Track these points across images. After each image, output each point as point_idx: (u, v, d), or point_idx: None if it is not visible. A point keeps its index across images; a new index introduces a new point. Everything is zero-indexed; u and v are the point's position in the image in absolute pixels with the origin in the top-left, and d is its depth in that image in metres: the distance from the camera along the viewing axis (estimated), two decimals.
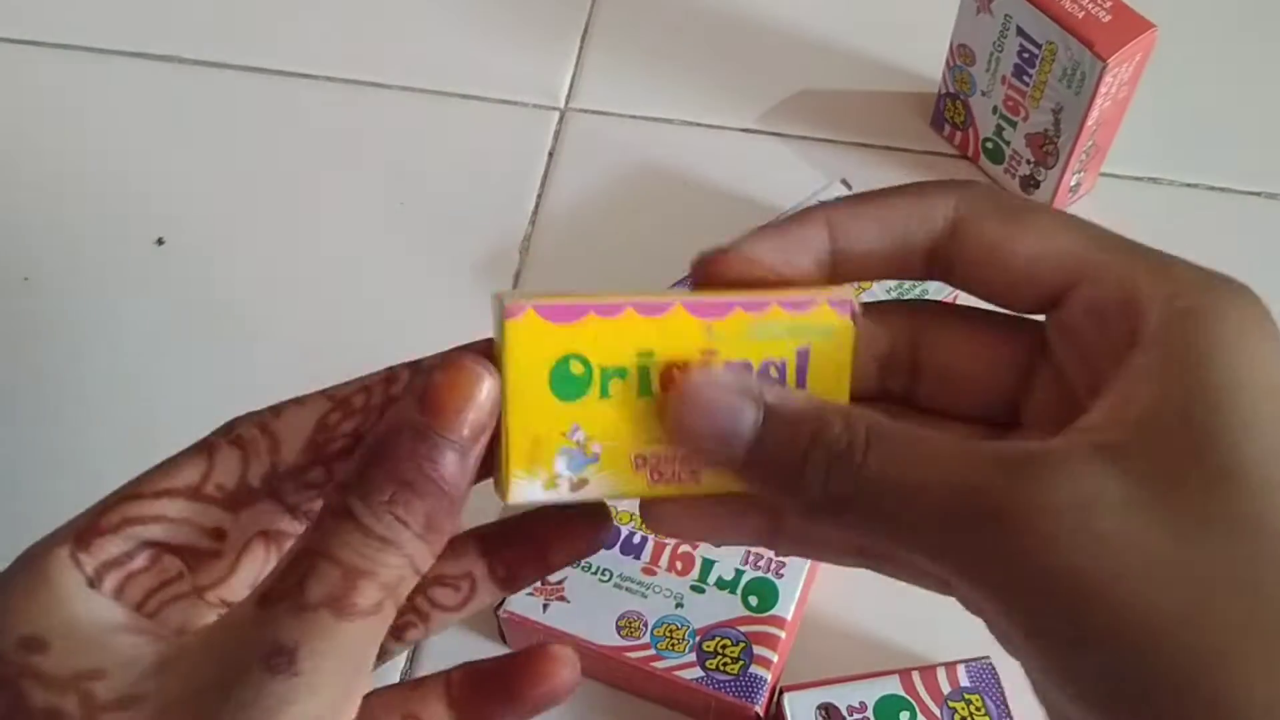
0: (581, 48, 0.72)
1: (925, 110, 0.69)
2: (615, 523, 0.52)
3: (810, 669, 0.52)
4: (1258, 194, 0.67)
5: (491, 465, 0.28)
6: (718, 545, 0.31)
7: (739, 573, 0.52)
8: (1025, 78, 0.61)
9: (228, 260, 0.65)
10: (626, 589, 0.51)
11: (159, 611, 0.27)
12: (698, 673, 0.50)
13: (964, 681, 0.49)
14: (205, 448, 0.28)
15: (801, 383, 0.28)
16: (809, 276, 0.28)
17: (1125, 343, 0.25)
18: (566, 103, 0.70)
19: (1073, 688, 0.24)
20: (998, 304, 0.28)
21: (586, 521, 0.30)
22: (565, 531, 0.30)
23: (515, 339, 0.27)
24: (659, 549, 0.52)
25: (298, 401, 0.28)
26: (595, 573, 0.52)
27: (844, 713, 0.48)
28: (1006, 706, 0.48)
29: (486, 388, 0.26)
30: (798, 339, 0.28)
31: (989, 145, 0.65)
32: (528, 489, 0.27)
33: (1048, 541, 0.23)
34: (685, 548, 0.52)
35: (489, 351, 0.27)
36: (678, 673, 0.50)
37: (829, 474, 0.25)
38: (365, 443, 0.26)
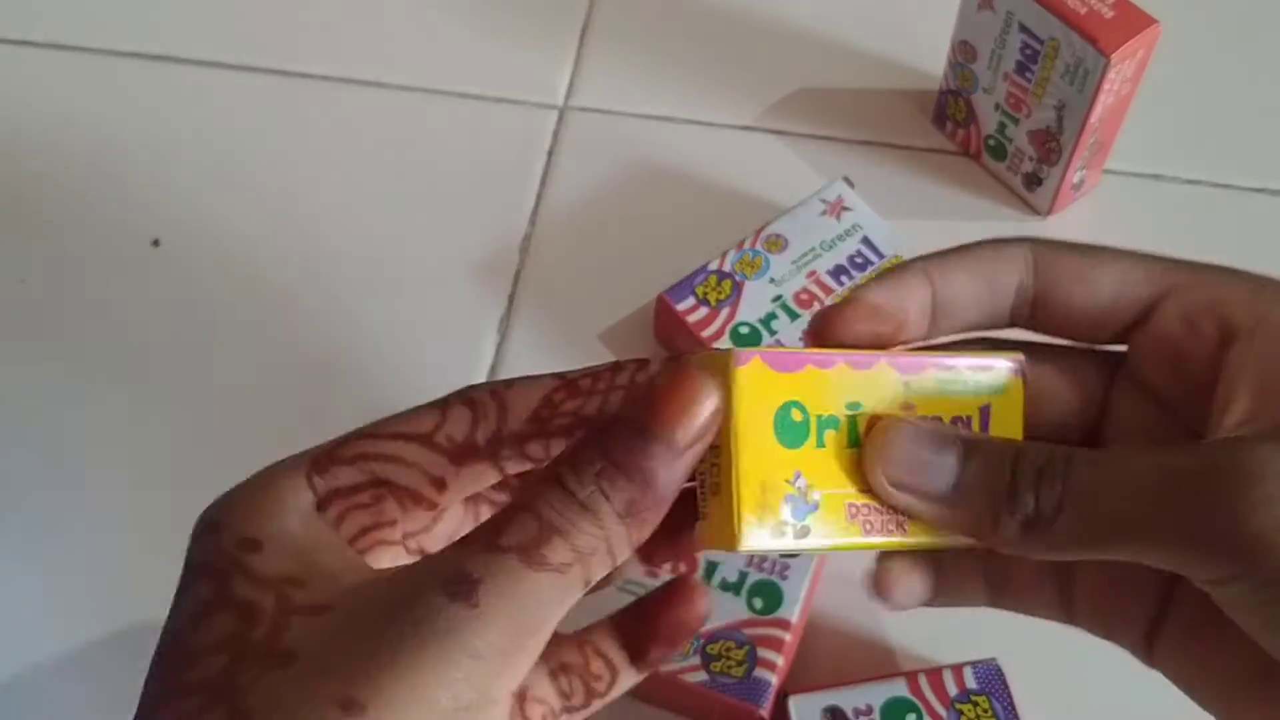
0: (580, 46, 0.72)
1: (927, 107, 0.68)
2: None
3: (815, 672, 0.52)
4: (1261, 190, 0.66)
5: (692, 518, 0.28)
6: (941, 606, 0.33)
7: (743, 575, 0.51)
8: (1028, 74, 0.60)
9: (225, 261, 0.65)
10: (629, 592, 0.51)
11: (367, 551, 0.29)
12: (702, 676, 0.49)
13: (971, 684, 0.49)
14: (440, 403, 0.29)
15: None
16: (917, 325, 0.30)
17: (1219, 340, 0.28)
18: (566, 101, 0.70)
19: None
20: (1079, 334, 0.31)
21: (684, 593, 0.31)
22: (671, 601, 0.31)
23: (743, 385, 0.27)
24: None
25: (530, 377, 0.29)
26: None
27: (850, 716, 0.48)
28: (1014, 708, 0.48)
29: (711, 401, 0.27)
30: (981, 397, 0.30)
31: (991, 142, 0.65)
32: (758, 535, 0.27)
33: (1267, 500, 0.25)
34: None
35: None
36: (682, 676, 0.49)
37: (1039, 486, 0.27)
38: (586, 427, 0.27)
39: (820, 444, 0.28)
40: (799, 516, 0.28)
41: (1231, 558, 0.25)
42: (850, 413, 0.28)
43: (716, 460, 0.27)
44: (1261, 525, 0.24)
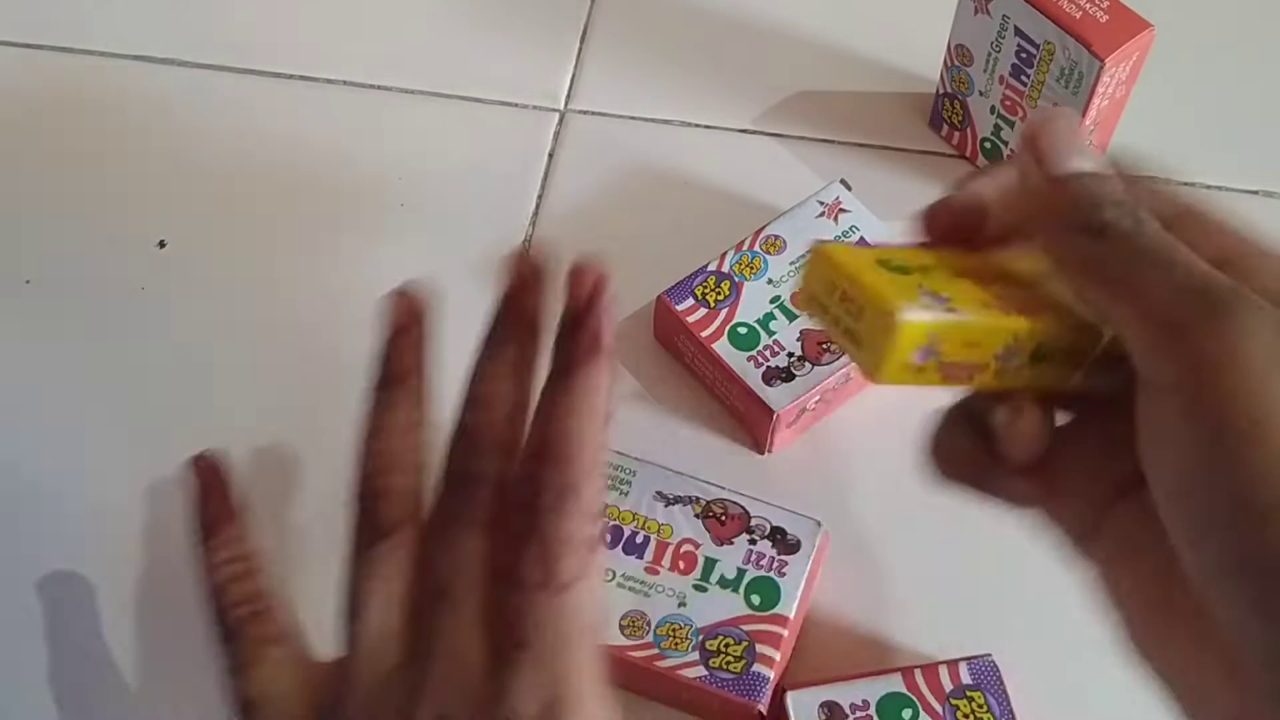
0: (581, 49, 0.72)
1: (923, 110, 0.69)
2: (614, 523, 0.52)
3: (813, 667, 0.53)
4: (1255, 192, 0.67)
5: None
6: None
7: (741, 572, 0.52)
8: (1023, 78, 0.61)
9: (229, 263, 0.65)
10: (629, 588, 0.52)
11: None
12: (701, 671, 0.50)
13: (966, 679, 0.49)
14: None
15: None
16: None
17: None
18: (566, 104, 0.70)
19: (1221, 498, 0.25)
20: None
21: None
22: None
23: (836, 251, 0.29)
24: (661, 549, 0.53)
25: None
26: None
27: (847, 711, 0.49)
28: (1009, 703, 0.49)
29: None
30: None
31: (987, 145, 0.66)
32: (914, 311, 0.27)
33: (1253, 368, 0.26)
34: (688, 547, 0.53)
35: None
36: (681, 672, 0.50)
37: (1121, 213, 0.29)
38: None
39: (925, 273, 0.29)
40: (939, 301, 0.28)
41: (1185, 407, 0.26)
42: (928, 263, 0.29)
43: (848, 304, 0.28)
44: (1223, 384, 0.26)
